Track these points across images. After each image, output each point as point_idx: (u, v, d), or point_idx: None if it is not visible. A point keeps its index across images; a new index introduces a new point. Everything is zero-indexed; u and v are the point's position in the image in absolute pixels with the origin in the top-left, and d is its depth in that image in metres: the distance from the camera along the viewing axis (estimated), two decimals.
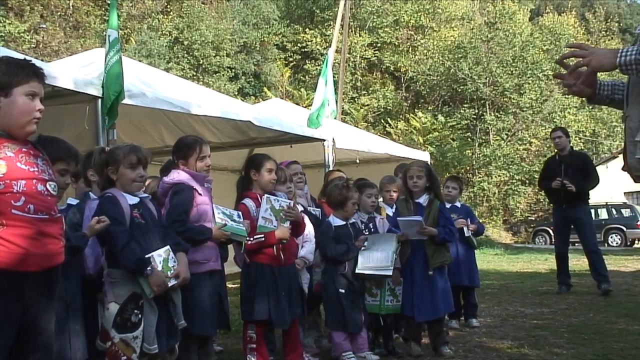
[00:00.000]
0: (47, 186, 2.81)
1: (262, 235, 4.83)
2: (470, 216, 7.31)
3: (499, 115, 31.21)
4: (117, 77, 5.28)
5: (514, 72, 30.97)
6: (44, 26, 26.70)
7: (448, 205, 6.79)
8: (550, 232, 27.30)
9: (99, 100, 5.39)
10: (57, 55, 23.75)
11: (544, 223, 29.64)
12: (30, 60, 2.94)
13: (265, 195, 4.94)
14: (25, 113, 2.79)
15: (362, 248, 5.41)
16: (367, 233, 5.70)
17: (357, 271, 5.37)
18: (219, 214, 4.49)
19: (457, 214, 6.93)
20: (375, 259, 5.43)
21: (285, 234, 4.92)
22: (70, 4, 28.42)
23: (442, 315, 5.89)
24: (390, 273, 5.46)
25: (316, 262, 5.67)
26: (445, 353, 5.56)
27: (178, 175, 4.45)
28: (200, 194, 4.44)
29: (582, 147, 32.10)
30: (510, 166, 30.09)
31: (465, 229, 6.87)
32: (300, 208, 5.50)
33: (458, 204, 7.30)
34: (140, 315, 3.70)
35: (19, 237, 2.65)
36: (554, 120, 30.88)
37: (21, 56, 3.22)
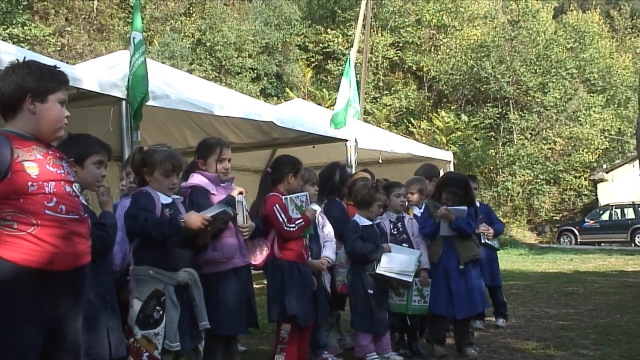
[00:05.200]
0: (73, 187, 2.87)
1: (301, 220, 4.96)
2: (490, 215, 7.26)
3: (522, 114, 30.94)
4: (142, 79, 5.33)
5: (537, 70, 30.69)
6: (69, 29, 26.96)
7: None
8: (576, 232, 27.09)
9: (123, 102, 5.44)
10: (82, 57, 23.98)
11: (569, 223, 29.36)
12: (59, 67, 2.99)
13: (285, 197, 5.01)
14: (58, 120, 2.88)
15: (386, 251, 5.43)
16: (395, 233, 5.71)
17: (377, 271, 5.36)
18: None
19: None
20: (398, 262, 5.42)
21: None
22: (94, 7, 28.68)
23: (480, 311, 5.91)
24: (410, 279, 5.46)
25: (339, 262, 5.66)
26: (469, 354, 5.53)
27: (192, 179, 4.50)
28: (214, 194, 4.44)
29: (608, 146, 31.74)
30: (535, 165, 29.80)
31: (482, 235, 6.80)
32: (318, 209, 5.50)
33: (477, 203, 7.25)
34: (162, 312, 3.73)
35: (52, 236, 2.70)
36: (579, 119, 30.56)
37: (51, 62, 3.26)
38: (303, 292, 4.94)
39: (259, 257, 4.85)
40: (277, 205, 4.92)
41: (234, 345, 4.73)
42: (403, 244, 5.65)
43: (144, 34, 5.70)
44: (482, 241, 6.77)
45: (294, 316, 4.87)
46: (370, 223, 5.50)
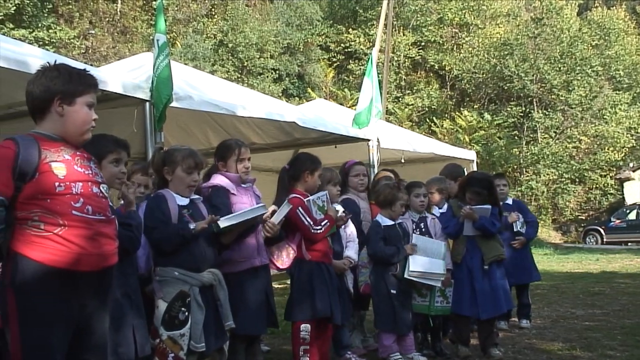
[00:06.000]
0: (101, 188, 2.90)
1: (326, 220, 4.96)
2: (524, 212, 7.18)
3: (547, 113, 30.60)
4: (167, 82, 5.36)
5: (562, 68, 30.35)
6: (93, 32, 27.28)
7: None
8: (602, 231, 26.76)
9: (147, 104, 5.47)
10: (106, 60, 24.24)
11: (595, 222, 29.01)
12: (89, 71, 3.03)
13: (307, 199, 4.99)
14: (85, 122, 2.91)
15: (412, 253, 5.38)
16: (418, 233, 5.67)
17: (406, 276, 5.33)
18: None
19: (508, 212, 6.88)
20: (427, 266, 5.38)
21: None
22: (118, 10, 28.98)
23: (504, 311, 5.87)
24: (438, 284, 5.43)
25: (362, 263, 5.64)
26: (494, 355, 5.50)
27: (213, 180, 4.53)
28: (234, 194, 4.47)
29: (635, 144, 31.32)
30: (559, 164, 29.47)
31: (515, 223, 6.80)
32: (340, 209, 5.47)
33: (509, 201, 7.21)
34: (187, 313, 3.75)
35: (79, 237, 2.72)
36: (604, 117, 30.19)
37: (75, 63, 3.30)
38: (333, 291, 4.95)
39: (286, 260, 4.86)
40: (300, 208, 4.89)
41: (256, 345, 4.74)
42: None
43: (167, 35, 5.73)
44: (515, 230, 6.82)
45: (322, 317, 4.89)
46: (393, 223, 5.48)
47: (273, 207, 4.61)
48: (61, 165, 2.75)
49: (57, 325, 2.70)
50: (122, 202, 3.60)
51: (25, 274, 2.67)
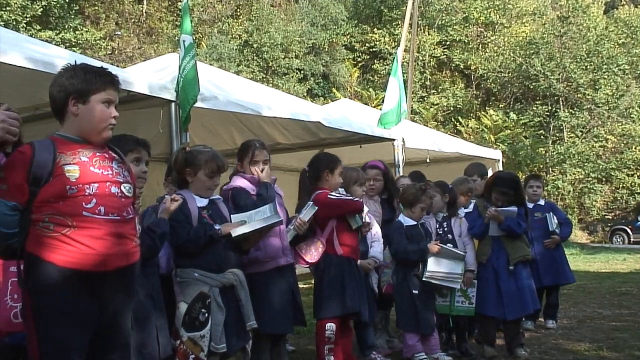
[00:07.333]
0: (122, 188, 2.86)
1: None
2: (556, 212, 7.15)
3: (573, 112, 30.30)
4: (193, 83, 5.40)
5: (588, 67, 30.02)
6: (119, 33, 27.54)
7: (530, 205, 6.70)
8: (629, 231, 26.43)
9: (173, 104, 5.52)
10: (132, 60, 24.46)
11: (622, 222, 28.65)
12: (107, 69, 2.99)
13: (331, 193, 5.02)
14: (101, 120, 2.86)
15: (432, 254, 5.34)
16: (441, 232, 5.67)
17: (424, 278, 5.31)
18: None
19: (541, 212, 6.86)
20: (445, 266, 5.36)
21: None
22: (144, 11, 29.22)
23: (531, 312, 5.85)
24: (458, 286, 5.42)
25: (384, 263, 5.64)
26: (520, 355, 5.47)
27: (233, 182, 4.55)
28: (254, 194, 4.46)
29: None
30: (586, 164, 29.18)
31: (550, 222, 6.76)
32: (365, 209, 5.47)
33: (542, 202, 7.18)
34: (207, 315, 3.76)
35: (88, 237, 2.69)
36: (632, 115, 29.80)
37: (98, 64, 3.31)
38: (362, 288, 4.97)
39: (315, 254, 4.88)
40: (329, 194, 4.95)
41: (281, 345, 4.75)
42: (448, 244, 5.60)
43: (192, 36, 5.77)
44: (551, 229, 6.81)
45: (350, 314, 4.91)
46: (415, 223, 5.47)
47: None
48: (75, 167, 2.73)
49: (70, 325, 2.68)
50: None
51: (36, 274, 2.67)
